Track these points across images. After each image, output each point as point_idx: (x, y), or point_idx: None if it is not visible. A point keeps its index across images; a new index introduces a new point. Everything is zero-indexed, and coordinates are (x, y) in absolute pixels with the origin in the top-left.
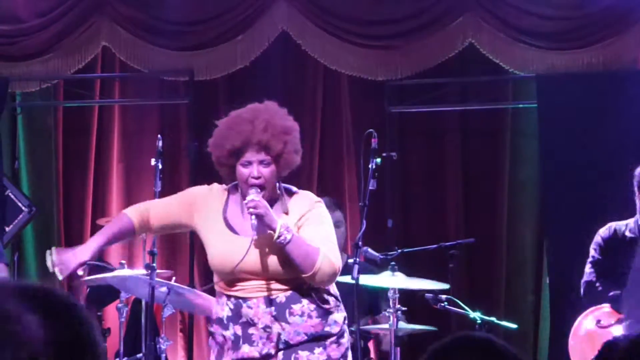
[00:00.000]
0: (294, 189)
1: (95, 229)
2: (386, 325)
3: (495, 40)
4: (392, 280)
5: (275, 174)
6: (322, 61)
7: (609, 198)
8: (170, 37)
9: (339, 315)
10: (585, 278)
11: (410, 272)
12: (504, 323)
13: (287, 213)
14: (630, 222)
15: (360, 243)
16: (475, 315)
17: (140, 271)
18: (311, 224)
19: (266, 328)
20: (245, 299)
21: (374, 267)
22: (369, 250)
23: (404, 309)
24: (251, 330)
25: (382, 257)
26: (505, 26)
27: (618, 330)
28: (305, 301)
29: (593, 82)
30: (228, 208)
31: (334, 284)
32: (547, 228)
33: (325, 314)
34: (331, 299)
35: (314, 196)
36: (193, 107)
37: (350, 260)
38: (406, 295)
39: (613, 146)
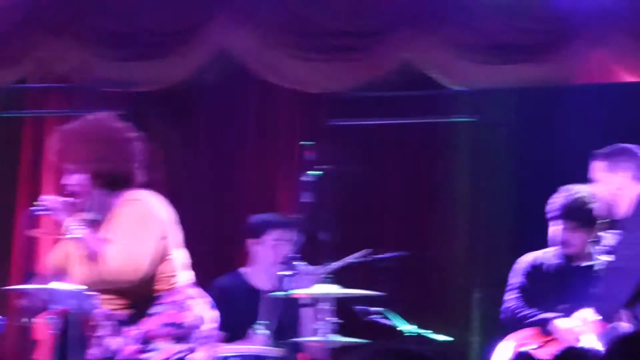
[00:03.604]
0: (132, 192)
1: None
2: (318, 338)
3: (432, 55)
4: (328, 290)
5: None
6: (260, 74)
7: (542, 218)
8: (108, 48)
9: (167, 347)
10: (507, 305)
11: (343, 285)
12: (436, 336)
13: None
14: (551, 251)
15: (295, 256)
16: (407, 328)
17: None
18: (117, 223)
19: (103, 340)
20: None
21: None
22: (303, 264)
23: (337, 321)
24: (93, 341)
25: (316, 269)
26: (442, 40)
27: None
28: (137, 326)
29: (529, 98)
30: None
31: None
32: (479, 242)
33: (147, 342)
34: (167, 329)
35: (133, 195)
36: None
37: (286, 273)
38: (340, 308)
39: (547, 162)
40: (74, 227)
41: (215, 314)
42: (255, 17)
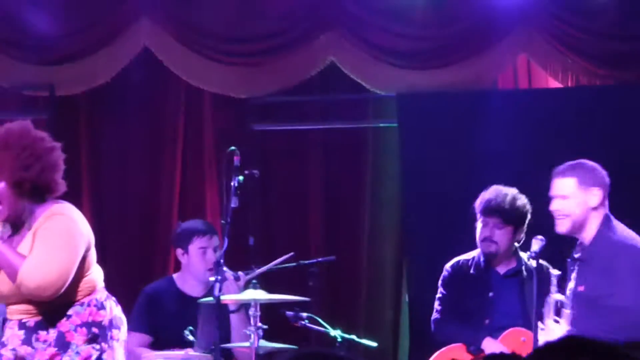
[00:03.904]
0: (54, 204)
1: None
2: (247, 344)
3: (356, 59)
4: (253, 296)
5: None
6: (185, 78)
7: (469, 220)
8: (30, 51)
9: (85, 348)
10: (433, 315)
11: (271, 290)
12: (364, 341)
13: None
14: (474, 253)
15: (221, 261)
16: (336, 333)
17: None
18: (39, 237)
19: (13, 350)
20: (7, 320)
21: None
22: (230, 270)
23: (264, 327)
24: (2, 351)
25: (242, 274)
26: (366, 44)
27: None
28: (52, 330)
29: (453, 102)
30: None
31: (107, 312)
32: (407, 247)
33: (65, 345)
34: (83, 329)
35: (57, 209)
36: (53, 123)
37: (212, 279)
38: (267, 313)
39: (473, 167)
40: None
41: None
42: (178, 19)
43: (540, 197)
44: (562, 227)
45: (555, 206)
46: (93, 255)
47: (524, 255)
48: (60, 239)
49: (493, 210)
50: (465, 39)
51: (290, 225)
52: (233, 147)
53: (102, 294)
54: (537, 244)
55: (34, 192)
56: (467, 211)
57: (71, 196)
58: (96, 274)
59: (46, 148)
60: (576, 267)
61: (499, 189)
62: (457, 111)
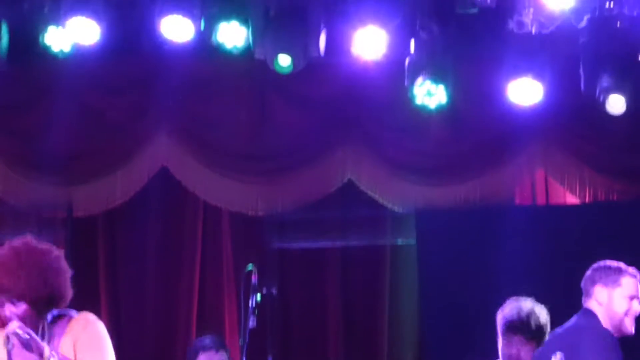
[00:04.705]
0: (73, 312)
1: None
2: None
3: (374, 176)
4: None
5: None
6: (202, 197)
7: (487, 335)
8: (48, 171)
9: None
10: None
11: None
12: None
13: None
14: None
15: None
16: None
17: None
18: (85, 350)
19: None
20: None
21: None
22: None
23: None
24: None
25: None
26: (383, 161)
27: None
28: None
29: (471, 218)
30: None
31: None
32: None
33: None
34: None
35: (89, 317)
36: (71, 243)
37: None
38: None
39: (490, 282)
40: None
41: None
42: (195, 137)
43: (558, 309)
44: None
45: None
46: None
47: None
48: (106, 344)
49: (516, 329)
50: (482, 155)
51: (309, 345)
52: (251, 266)
53: None
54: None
55: (50, 303)
56: (485, 327)
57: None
58: None
59: (54, 258)
60: None
61: (518, 305)
62: (475, 227)
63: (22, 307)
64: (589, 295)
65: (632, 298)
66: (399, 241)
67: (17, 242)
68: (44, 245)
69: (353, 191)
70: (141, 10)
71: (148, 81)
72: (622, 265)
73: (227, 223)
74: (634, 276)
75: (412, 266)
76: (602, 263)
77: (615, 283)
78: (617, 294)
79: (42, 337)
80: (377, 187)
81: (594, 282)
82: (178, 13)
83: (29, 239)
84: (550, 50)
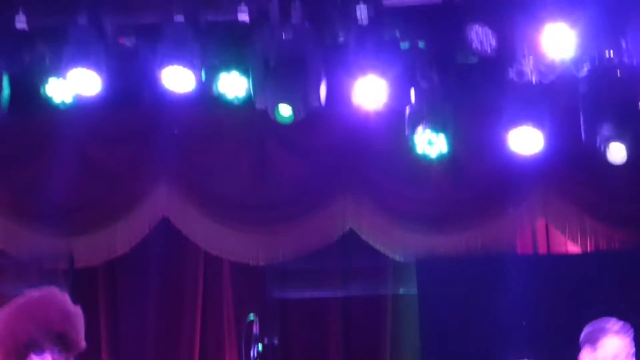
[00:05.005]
0: None
1: None
2: None
3: (374, 225)
4: None
5: None
6: (203, 246)
7: None
8: (49, 223)
9: None
10: None
11: None
12: None
13: None
14: None
15: None
16: None
17: None
18: None
19: None
20: None
21: None
22: None
23: None
24: None
25: None
26: (384, 210)
27: None
28: None
29: (472, 267)
30: None
31: None
32: None
33: None
34: None
35: None
36: (72, 294)
37: None
38: None
39: (492, 331)
40: None
41: None
42: (195, 187)
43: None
44: None
45: None
46: None
47: None
48: None
49: None
50: (483, 204)
51: None
52: (252, 315)
53: None
54: None
55: (68, 354)
56: None
57: None
58: None
59: (70, 312)
60: None
61: None
62: (476, 276)
63: (47, 358)
64: (580, 355)
65: (614, 358)
66: (401, 290)
67: (39, 294)
68: (63, 296)
69: (354, 240)
70: (142, 61)
71: (149, 132)
72: (608, 324)
73: (228, 272)
74: (620, 335)
75: (413, 315)
76: (591, 324)
77: (598, 343)
78: (600, 355)
79: None
80: (378, 236)
81: (581, 343)
82: (179, 64)
83: (51, 290)
84: (551, 99)
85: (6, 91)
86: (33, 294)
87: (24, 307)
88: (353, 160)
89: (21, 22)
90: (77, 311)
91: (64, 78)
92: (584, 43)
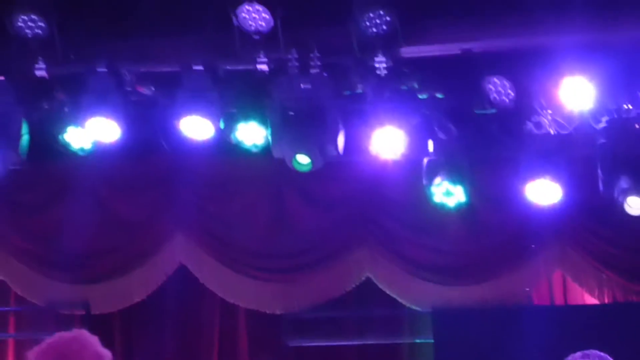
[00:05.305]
0: None
1: None
2: None
3: (391, 274)
4: None
5: None
6: (220, 294)
7: None
8: (66, 270)
9: None
10: None
11: None
12: None
13: None
14: None
15: None
16: None
17: None
18: None
19: None
20: None
21: None
22: None
23: None
24: None
25: None
26: (401, 260)
27: None
28: None
29: (488, 318)
30: None
31: None
32: None
33: None
34: None
35: None
36: None
37: None
38: None
39: None
40: None
41: None
42: (212, 235)
43: None
44: None
45: None
46: None
47: None
48: None
49: None
50: (499, 255)
51: None
52: None
53: None
54: None
55: None
56: None
57: None
58: None
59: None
60: None
61: None
62: (492, 327)
63: None
64: None
65: None
66: (417, 339)
67: (71, 336)
68: (93, 338)
69: (370, 288)
70: (160, 110)
71: (166, 180)
72: None
73: (244, 320)
74: None
75: None
76: None
77: None
78: None
79: None
80: (395, 285)
81: None
82: (197, 113)
83: (78, 331)
84: (569, 151)
85: (25, 138)
86: (64, 335)
87: (58, 348)
88: (370, 209)
89: (41, 70)
90: (108, 354)
91: (83, 126)
92: (602, 96)
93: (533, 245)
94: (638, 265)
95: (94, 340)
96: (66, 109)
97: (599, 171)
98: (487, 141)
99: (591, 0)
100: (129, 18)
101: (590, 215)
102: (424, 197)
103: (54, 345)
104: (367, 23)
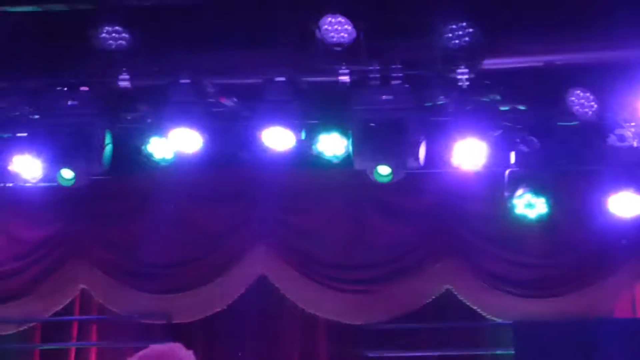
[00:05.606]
0: None
1: None
2: None
3: (472, 287)
4: None
5: None
6: (300, 305)
7: None
8: (148, 280)
9: None
10: None
11: None
12: None
13: None
14: None
15: None
16: None
17: None
18: None
19: None
20: None
21: None
22: None
23: None
24: None
25: None
26: (482, 273)
27: None
28: None
29: (570, 330)
30: None
31: None
32: None
33: None
34: None
35: None
36: None
37: None
38: None
39: None
40: None
41: None
42: (293, 247)
43: None
44: None
45: None
46: None
47: None
48: None
49: None
50: (581, 268)
51: None
52: None
53: None
54: None
55: None
56: None
57: None
58: None
59: None
60: None
61: None
62: (573, 339)
63: None
64: None
65: None
66: (497, 351)
67: (166, 346)
68: (190, 352)
69: (450, 300)
70: (242, 121)
71: (248, 191)
72: None
73: (324, 331)
74: None
75: None
76: None
77: None
78: None
79: None
80: (476, 298)
81: None
82: (279, 124)
83: (174, 344)
84: None
85: (109, 148)
86: (157, 347)
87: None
88: (451, 222)
89: (124, 82)
90: None
91: (166, 137)
92: None
93: (624, 241)
94: None
95: (188, 354)
96: (149, 120)
97: None
98: (569, 153)
99: None
100: (211, 30)
101: None
102: (506, 210)
103: (148, 357)
104: (450, 35)
